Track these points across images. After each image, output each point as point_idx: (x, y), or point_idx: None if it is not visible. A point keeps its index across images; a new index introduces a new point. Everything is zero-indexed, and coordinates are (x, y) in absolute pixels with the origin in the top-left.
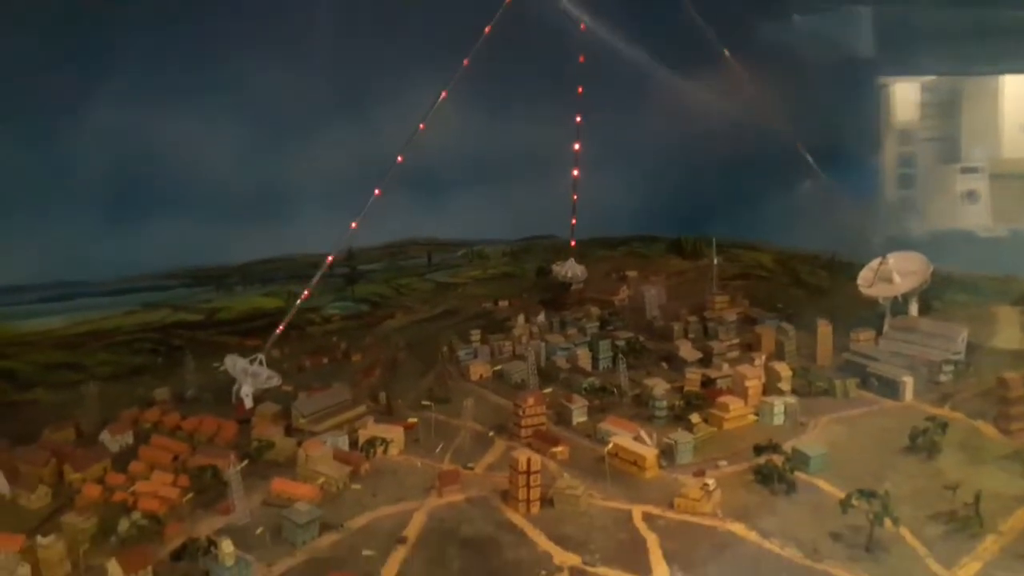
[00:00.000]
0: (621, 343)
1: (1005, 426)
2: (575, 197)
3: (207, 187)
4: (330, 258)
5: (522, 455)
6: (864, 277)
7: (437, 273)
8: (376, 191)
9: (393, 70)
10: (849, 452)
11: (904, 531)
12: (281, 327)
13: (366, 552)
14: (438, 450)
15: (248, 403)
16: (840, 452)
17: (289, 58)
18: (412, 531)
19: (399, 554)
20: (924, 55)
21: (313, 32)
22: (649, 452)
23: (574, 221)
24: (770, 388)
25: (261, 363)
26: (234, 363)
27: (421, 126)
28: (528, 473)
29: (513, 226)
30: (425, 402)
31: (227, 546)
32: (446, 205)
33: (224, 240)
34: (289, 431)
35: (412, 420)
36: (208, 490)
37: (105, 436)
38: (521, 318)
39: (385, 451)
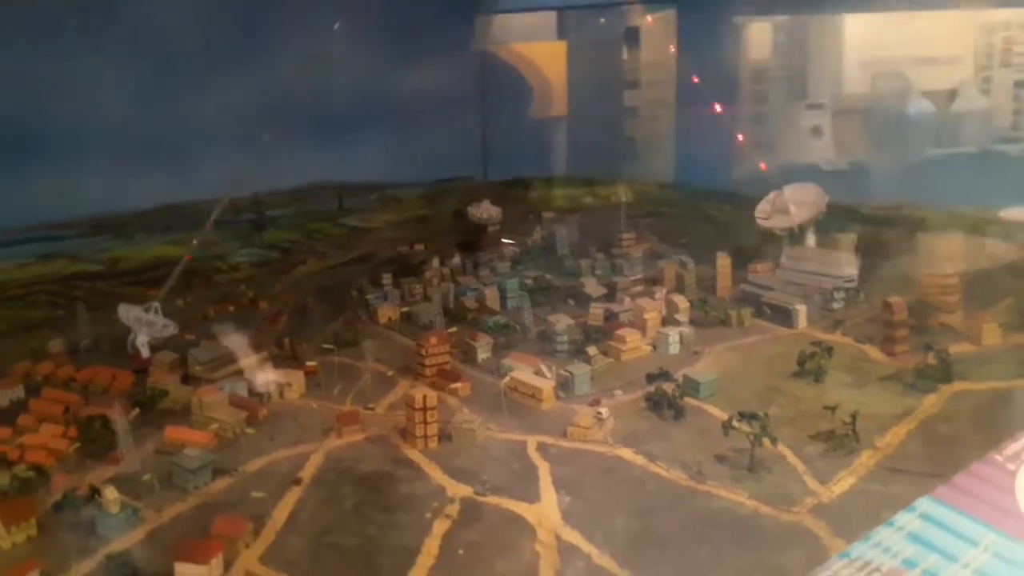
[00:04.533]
0: (528, 281)
1: (890, 349)
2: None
3: (102, 131)
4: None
5: (418, 392)
6: (762, 209)
7: (350, 217)
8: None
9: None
10: (740, 378)
11: (785, 451)
12: (176, 272)
13: (255, 494)
14: (335, 391)
15: (144, 352)
16: (731, 379)
17: None
18: (308, 472)
19: (293, 495)
20: None
21: None
22: (546, 384)
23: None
24: (669, 320)
25: (156, 312)
26: (127, 312)
27: None
28: (424, 410)
29: (427, 168)
30: (327, 345)
31: (111, 493)
32: (355, 147)
33: (122, 187)
34: (186, 380)
35: (311, 364)
36: (98, 440)
37: None
38: (436, 260)
39: (281, 395)
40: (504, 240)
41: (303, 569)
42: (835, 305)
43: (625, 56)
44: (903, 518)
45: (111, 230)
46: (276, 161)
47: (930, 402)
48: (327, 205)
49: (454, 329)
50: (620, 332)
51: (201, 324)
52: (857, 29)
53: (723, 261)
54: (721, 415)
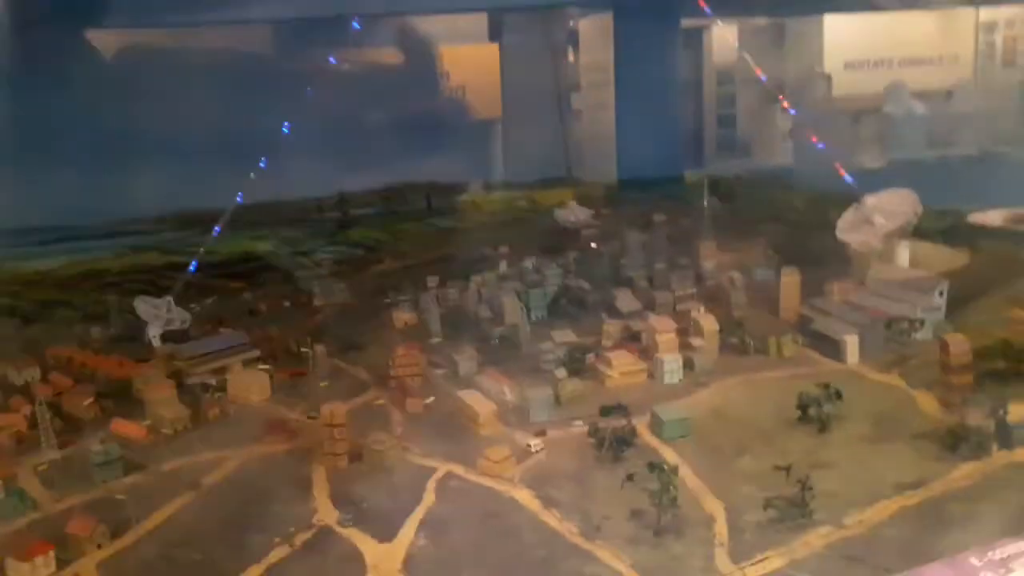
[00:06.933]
0: (553, 290)
1: (947, 398)
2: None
3: (193, 133)
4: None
5: (327, 407)
6: (845, 220)
7: (439, 218)
8: None
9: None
10: (731, 420)
11: (720, 514)
12: (184, 275)
13: (119, 496)
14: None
15: (156, 344)
16: (720, 419)
17: None
18: (213, 478)
19: (182, 500)
20: None
21: None
22: (484, 408)
23: None
24: (687, 344)
25: (170, 306)
26: (142, 305)
27: None
28: (332, 426)
29: (524, 168)
30: (304, 349)
31: None
32: (445, 146)
33: (211, 185)
34: (172, 374)
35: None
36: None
37: (11, 371)
38: (503, 264)
39: (213, 395)
40: (592, 245)
41: None
42: (907, 337)
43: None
44: None
45: (200, 226)
46: (364, 160)
47: (961, 473)
48: (415, 205)
49: (436, 340)
50: (609, 355)
51: (246, 318)
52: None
53: (789, 278)
54: (674, 460)
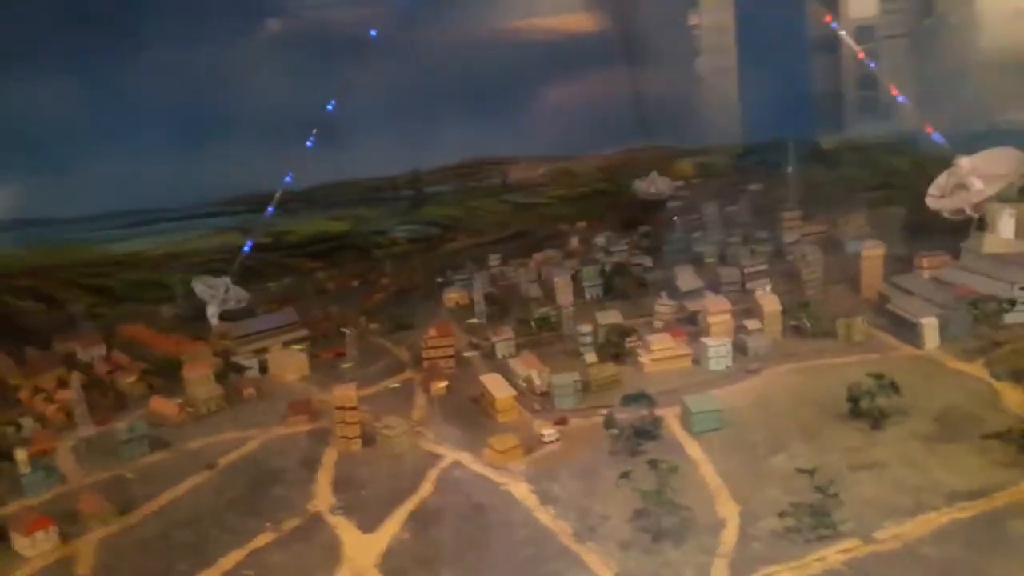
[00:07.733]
0: (610, 268)
1: None
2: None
3: (270, 115)
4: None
5: (339, 390)
6: (939, 185)
7: (516, 193)
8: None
9: None
10: (773, 412)
11: (732, 519)
12: (241, 254)
13: (128, 474)
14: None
15: (214, 322)
16: (761, 411)
17: None
18: (230, 458)
19: (198, 479)
20: None
21: None
22: (504, 394)
23: None
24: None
25: (228, 286)
26: (200, 285)
27: None
28: (343, 409)
29: (607, 137)
30: (345, 329)
31: (20, 454)
32: (522, 118)
33: (287, 166)
34: (220, 352)
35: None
36: (87, 403)
37: (78, 348)
38: (575, 240)
39: (242, 375)
40: (674, 218)
41: (119, 559)
42: (993, 321)
43: None
44: None
45: (278, 206)
46: (438, 137)
47: None
48: (491, 180)
49: (478, 320)
50: (650, 338)
51: (316, 297)
52: None
53: (871, 253)
54: (699, 456)
